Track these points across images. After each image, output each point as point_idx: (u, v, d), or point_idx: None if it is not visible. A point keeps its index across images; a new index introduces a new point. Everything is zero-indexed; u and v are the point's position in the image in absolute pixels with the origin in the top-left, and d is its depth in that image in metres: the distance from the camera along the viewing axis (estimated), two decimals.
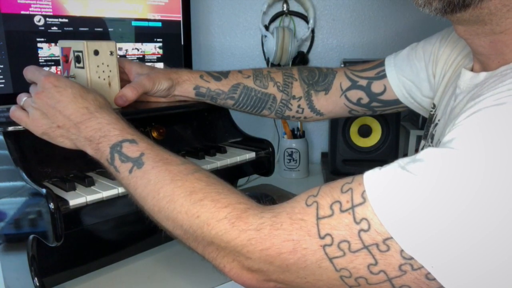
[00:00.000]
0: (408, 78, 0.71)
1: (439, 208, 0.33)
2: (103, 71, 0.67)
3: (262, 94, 0.77)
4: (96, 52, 0.66)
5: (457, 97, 0.51)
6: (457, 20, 0.46)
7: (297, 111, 0.79)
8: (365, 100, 0.75)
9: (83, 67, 0.65)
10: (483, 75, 0.47)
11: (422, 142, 0.65)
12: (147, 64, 0.80)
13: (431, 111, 0.64)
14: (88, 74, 0.66)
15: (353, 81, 0.76)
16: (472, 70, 0.51)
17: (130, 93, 0.69)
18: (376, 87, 0.74)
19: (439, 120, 0.58)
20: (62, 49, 0.68)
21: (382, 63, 0.75)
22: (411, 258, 0.35)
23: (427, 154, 0.37)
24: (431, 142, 0.59)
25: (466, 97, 0.48)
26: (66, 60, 0.67)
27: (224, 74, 0.78)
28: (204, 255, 0.47)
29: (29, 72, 0.61)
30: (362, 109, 0.77)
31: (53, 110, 0.56)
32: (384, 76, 0.73)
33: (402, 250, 0.35)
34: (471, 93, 0.45)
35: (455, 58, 0.62)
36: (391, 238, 0.35)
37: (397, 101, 0.73)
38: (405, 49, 0.74)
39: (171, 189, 0.48)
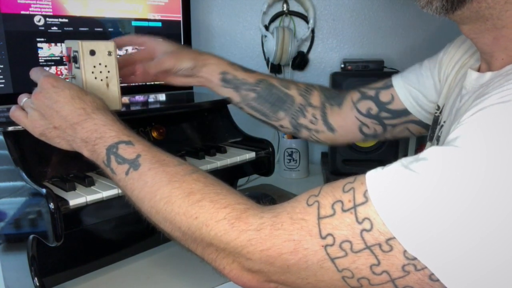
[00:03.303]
0: (414, 86, 0.70)
1: (442, 206, 0.33)
2: (100, 72, 0.66)
3: (283, 94, 0.77)
4: (93, 52, 0.65)
5: (462, 98, 0.51)
6: (460, 19, 0.46)
7: (311, 120, 0.78)
8: (374, 110, 0.74)
9: (79, 68, 0.65)
10: (488, 75, 0.47)
11: (428, 144, 0.65)
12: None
13: (436, 112, 0.64)
14: (83, 74, 0.65)
15: (362, 93, 0.76)
16: (478, 70, 0.51)
17: (152, 68, 0.72)
18: (384, 96, 0.74)
19: (444, 122, 0.58)
20: (67, 48, 0.67)
21: (390, 77, 0.75)
22: (415, 259, 0.34)
23: (430, 152, 0.36)
24: (437, 144, 0.59)
25: (471, 97, 0.47)
26: (69, 60, 0.67)
27: (250, 70, 0.79)
28: (204, 256, 0.46)
29: (33, 73, 0.61)
30: (372, 122, 0.76)
31: (50, 111, 0.56)
32: (391, 85, 0.73)
33: (405, 251, 0.34)
34: (477, 93, 0.45)
35: (459, 59, 0.61)
36: (394, 238, 0.35)
37: (405, 112, 0.72)
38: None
39: (169, 191, 0.47)
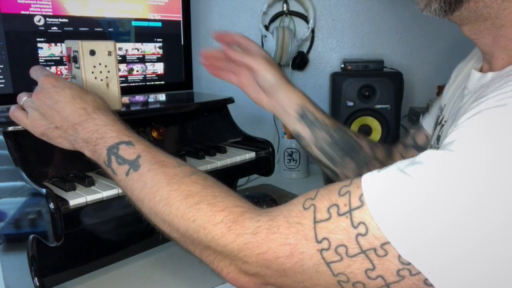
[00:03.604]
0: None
1: (435, 212, 0.33)
2: (100, 72, 0.66)
3: (355, 142, 0.75)
4: (93, 52, 0.65)
5: (464, 98, 0.51)
6: (459, 20, 0.46)
7: None
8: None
9: (79, 68, 0.65)
10: (490, 75, 0.47)
11: (430, 144, 0.65)
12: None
13: (439, 113, 0.64)
14: (83, 74, 0.65)
15: (404, 144, 0.76)
16: (481, 71, 0.51)
17: (237, 56, 0.70)
18: (420, 139, 0.73)
19: (445, 122, 0.58)
20: (67, 48, 0.67)
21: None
22: (409, 263, 0.34)
23: (426, 156, 0.36)
24: (437, 144, 0.59)
25: (471, 98, 0.47)
26: (69, 60, 0.67)
27: (325, 111, 0.76)
28: (202, 258, 0.46)
29: (33, 72, 0.61)
30: None
31: (51, 111, 0.56)
32: (422, 126, 0.73)
33: (399, 255, 0.34)
34: (477, 94, 0.45)
35: (467, 63, 0.62)
36: (389, 242, 0.34)
37: None
38: None
39: (167, 192, 0.47)
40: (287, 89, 0.72)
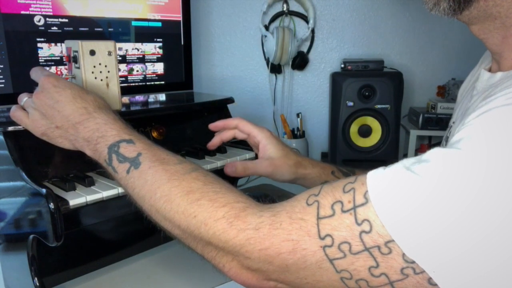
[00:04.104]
0: None
1: (440, 209, 0.33)
2: (100, 72, 0.66)
3: None
4: (93, 52, 0.65)
5: (472, 98, 0.51)
6: (468, 19, 0.46)
7: None
8: None
9: (79, 68, 0.65)
10: (499, 75, 0.47)
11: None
12: (282, 142, 0.74)
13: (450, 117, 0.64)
14: (83, 74, 0.64)
15: None
16: (490, 71, 0.51)
17: (240, 168, 0.69)
18: None
19: (453, 123, 0.58)
20: (67, 48, 0.67)
21: None
22: (413, 262, 0.34)
23: (433, 154, 0.36)
24: (445, 144, 0.59)
25: (480, 97, 0.47)
26: (69, 60, 0.67)
27: (353, 171, 0.75)
28: (203, 254, 0.46)
29: (33, 72, 0.61)
30: None
31: (52, 110, 0.56)
32: None
33: (404, 254, 0.34)
34: (485, 94, 0.45)
35: (479, 68, 0.62)
36: (393, 240, 0.34)
37: None
38: None
39: (168, 189, 0.47)
40: (305, 177, 0.72)
